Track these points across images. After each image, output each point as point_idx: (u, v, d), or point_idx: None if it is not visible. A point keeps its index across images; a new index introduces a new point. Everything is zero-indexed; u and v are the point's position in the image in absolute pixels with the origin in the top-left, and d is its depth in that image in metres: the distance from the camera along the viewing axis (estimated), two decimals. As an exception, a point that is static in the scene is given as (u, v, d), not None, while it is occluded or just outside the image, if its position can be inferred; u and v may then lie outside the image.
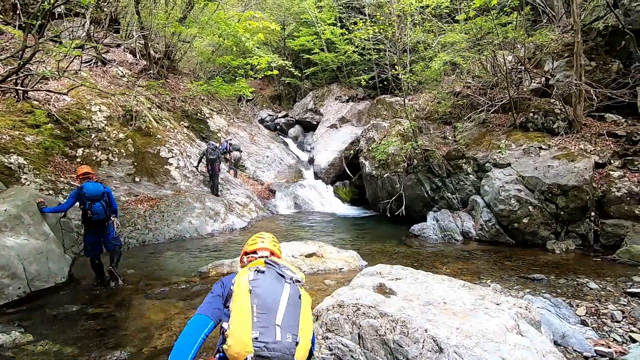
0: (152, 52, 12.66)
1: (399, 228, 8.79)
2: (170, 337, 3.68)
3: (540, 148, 7.85)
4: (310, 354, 1.91)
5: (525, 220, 7.08)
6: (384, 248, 7.34)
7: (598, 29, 8.96)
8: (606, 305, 4.30)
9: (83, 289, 5.10)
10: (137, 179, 8.84)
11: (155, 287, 5.13)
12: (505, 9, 8.76)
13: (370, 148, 11.02)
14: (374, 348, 2.62)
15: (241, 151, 12.65)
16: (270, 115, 19.10)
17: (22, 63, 6.64)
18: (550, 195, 6.94)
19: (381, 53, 13.44)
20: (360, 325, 2.75)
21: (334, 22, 16.56)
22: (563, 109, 8.22)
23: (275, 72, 12.78)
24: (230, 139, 12.54)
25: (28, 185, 6.77)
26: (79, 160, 8.15)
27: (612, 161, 7.24)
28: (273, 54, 13.74)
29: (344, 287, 3.55)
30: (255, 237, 2.21)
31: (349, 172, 13.45)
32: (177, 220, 8.22)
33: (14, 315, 4.16)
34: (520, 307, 3.05)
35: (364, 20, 11.68)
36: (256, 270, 1.81)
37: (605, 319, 4.01)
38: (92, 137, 8.69)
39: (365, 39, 13.30)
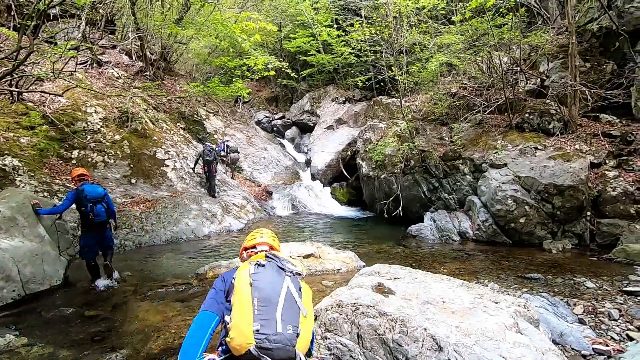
0: (148, 53, 12.62)
1: (397, 229, 8.79)
2: (168, 339, 3.65)
3: (536, 148, 7.89)
4: (309, 353, 1.91)
5: (522, 220, 7.11)
6: (382, 249, 7.33)
7: (592, 30, 9.04)
8: (603, 303, 4.31)
9: (78, 291, 5.05)
10: (133, 181, 8.79)
11: (152, 289, 5.10)
12: (500, 10, 8.82)
13: (367, 149, 11.03)
14: (373, 347, 2.61)
15: (238, 152, 12.62)
16: (267, 116, 19.08)
17: (16, 64, 6.58)
18: (546, 195, 6.97)
19: (378, 54, 13.49)
20: (359, 325, 2.74)
21: (331, 23, 16.60)
22: (558, 110, 8.27)
23: (272, 73, 12.77)
24: (227, 141, 12.51)
25: (23, 187, 6.71)
26: (74, 162, 8.09)
27: (607, 161, 7.30)
28: (270, 55, 13.75)
29: (342, 287, 3.54)
30: (255, 233, 2.23)
31: (346, 174, 13.45)
32: (173, 222, 8.18)
33: (9, 319, 4.11)
34: (519, 306, 3.05)
35: (361, 22, 11.70)
36: (257, 264, 1.84)
37: (603, 317, 4.02)
38: (88, 138, 8.63)
39: (361, 41, 13.37)
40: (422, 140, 9.84)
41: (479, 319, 2.71)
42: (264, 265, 1.83)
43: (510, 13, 8.75)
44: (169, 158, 9.89)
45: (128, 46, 12.86)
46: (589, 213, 6.82)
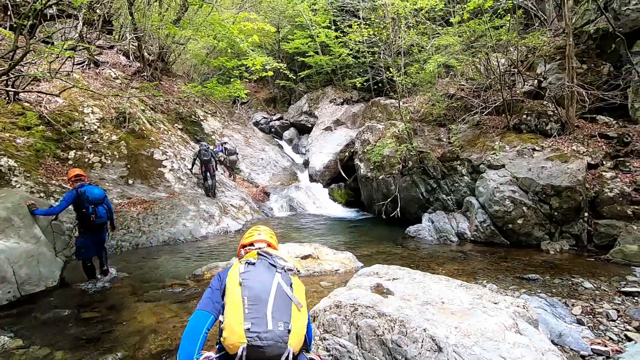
0: (145, 54, 12.57)
1: (395, 230, 8.79)
2: (164, 341, 3.62)
3: (534, 149, 7.92)
4: (307, 349, 1.91)
5: (519, 221, 7.12)
6: (380, 249, 7.32)
7: (589, 32, 9.10)
8: (601, 304, 4.32)
9: (74, 292, 5.00)
10: (130, 182, 8.74)
11: (149, 290, 5.06)
12: (498, 12, 8.86)
13: (365, 150, 11.03)
14: (372, 348, 2.59)
15: (237, 154, 12.59)
16: (264, 117, 19.06)
17: (12, 64, 6.54)
18: (544, 196, 6.99)
19: (375, 56, 13.50)
20: (358, 326, 2.72)
21: (329, 25, 16.62)
22: (556, 111, 8.30)
23: (270, 73, 12.77)
24: (226, 142, 12.47)
25: (19, 187, 6.66)
26: (70, 162, 8.03)
27: (604, 162, 7.32)
28: (268, 56, 13.74)
29: (340, 287, 3.52)
30: (252, 230, 2.25)
31: (344, 175, 13.44)
32: (171, 223, 8.13)
33: (3, 320, 4.06)
34: (518, 306, 3.05)
35: (359, 23, 11.72)
36: (247, 262, 1.86)
37: (601, 318, 4.02)
38: (85, 139, 8.58)
39: (359, 42, 13.38)
40: (420, 141, 9.85)
41: (479, 320, 2.70)
42: (254, 264, 1.85)
43: (508, 15, 8.79)
44: (166, 159, 9.85)
45: (125, 46, 12.81)
46: (586, 214, 6.84)
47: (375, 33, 10.59)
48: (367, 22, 12.03)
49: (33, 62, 8.19)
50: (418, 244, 7.80)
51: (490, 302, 3.04)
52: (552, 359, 2.45)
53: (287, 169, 14.69)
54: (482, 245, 7.36)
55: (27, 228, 4.85)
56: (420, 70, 10.88)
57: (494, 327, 2.60)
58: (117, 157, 8.85)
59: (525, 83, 9.80)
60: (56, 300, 4.68)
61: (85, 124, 8.81)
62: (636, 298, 4.42)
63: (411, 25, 11.02)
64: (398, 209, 9.09)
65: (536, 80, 9.56)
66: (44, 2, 5.93)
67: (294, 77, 16.73)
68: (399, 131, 10.54)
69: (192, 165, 10.19)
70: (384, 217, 9.40)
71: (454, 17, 10.55)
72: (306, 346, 1.93)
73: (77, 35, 10.66)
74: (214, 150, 10.88)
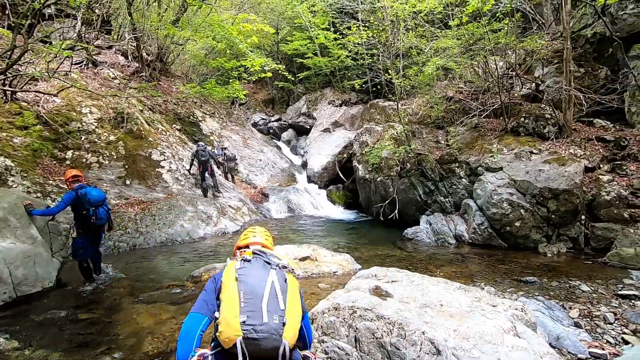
0: (144, 54, 12.55)
1: (393, 232, 8.79)
2: (161, 343, 3.59)
3: (532, 152, 7.95)
4: (306, 347, 1.93)
5: (517, 224, 7.14)
6: (378, 251, 7.32)
7: (586, 36, 9.16)
8: (598, 307, 4.33)
9: (71, 293, 4.97)
10: (127, 182, 8.71)
11: (146, 291, 5.03)
12: (497, 15, 8.90)
13: (364, 152, 11.04)
14: (371, 351, 2.59)
15: (236, 160, 12.59)
16: (263, 119, 19.07)
17: (10, 63, 6.52)
18: (541, 198, 7.01)
19: (374, 58, 13.55)
20: (356, 328, 2.72)
21: (328, 27, 16.66)
22: (553, 114, 8.34)
23: (269, 74, 12.77)
24: (226, 148, 12.43)
25: (15, 187, 6.62)
26: (68, 162, 7.99)
27: (601, 165, 7.36)
28: (267, 57, 13.74)
29: (339, 289, 3.52)
30: (248, 232, 2.29)
31: (342, 176, 13.45)
32: (168, 223, 8.11)
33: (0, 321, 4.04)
34: (516, 309, 3.05)
35: (358, 25, 11.75)
36: (243, 259, 1.91)
37: (598, 321, 4.03)
38: (82, 139, 8.54)
39: (358, 44, 13.42)
40: (418, 143, 9.87)
41: (477, 322, 2.70)
42: (249, 261, 1.90)
43: (506, 18, 8.83)
44: (164, 159, 9.82)
45: (124, 47, 12.78)
46: (583, 217, 6.86)
47: (374, 35, 10.62)
48: (366, 25, 12.06)
49: (31, 61, 8.15)
50: (416, 246, 7.80)
51: (489, 305, 3.04)
52: (550, 362, 2.46)
53: (286, 170, 14.69)
54: (480, 247, 7.38)
55: (24, 228, 4.81)
56: (419, 73, 10.92)
57: (492, 330, 2.60)
58: (114, 157, 8.82)
59: (523, 86, 9.85)
60: (53, 301, 4.65)
61: (83, 124, 8.78)
62: (633, 301, 4.44)
63: (410, 27, 11.07)
64: (396, 211, 9.10)
65: (534, 84, 9.60)
66: (42, 1, 5.91)
67: (293, 79, 16.76)
68: (397, 133, 10.56)
69: (190, 166, 10.16)
70: (382, 219, 9.41)
71: (453, 20, 10.60)
72: (304, 344, 1.97)
73: (75, 34, 10.64)
74: (213, 151, 10.86)
